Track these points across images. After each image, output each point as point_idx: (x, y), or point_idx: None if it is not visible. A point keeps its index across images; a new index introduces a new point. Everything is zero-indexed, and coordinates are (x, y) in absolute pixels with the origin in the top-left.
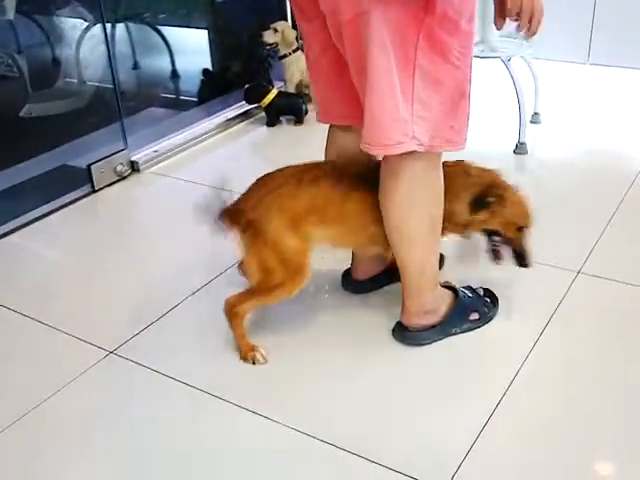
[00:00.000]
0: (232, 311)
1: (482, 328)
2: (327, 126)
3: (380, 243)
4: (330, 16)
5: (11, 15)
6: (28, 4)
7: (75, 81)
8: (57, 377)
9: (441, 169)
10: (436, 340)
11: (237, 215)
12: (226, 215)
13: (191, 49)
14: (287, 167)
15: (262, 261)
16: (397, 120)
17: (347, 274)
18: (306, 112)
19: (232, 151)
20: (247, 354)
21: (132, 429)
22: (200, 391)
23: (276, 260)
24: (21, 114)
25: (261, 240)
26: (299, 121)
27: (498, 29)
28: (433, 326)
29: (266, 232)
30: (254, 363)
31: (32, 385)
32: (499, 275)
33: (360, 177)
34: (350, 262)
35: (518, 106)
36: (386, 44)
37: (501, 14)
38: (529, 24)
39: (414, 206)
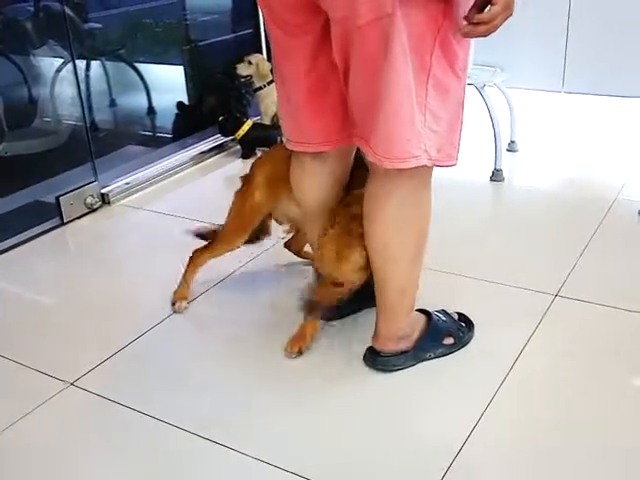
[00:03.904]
0: None
1: (457, 353)
2: None
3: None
4: (340, 22)
5: None
6: (4, 44)
7: (50, 120)
8: (13, 409)
9: (431, 189)
10: (409, 366)
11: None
12: None
13: (167, 85)
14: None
15: None
16: (413, 132)
17: None
18: (281, 143)
19: (206, 184)
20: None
21: (91, 461)
22: (162, 422)
23: None
24: None
25: None
26: None
27: (468, 19)
28: (406, 351)
29: None
30: (173, 305)
31: None
32: (474, 299)
33: None
34: None
35: (493, 133)
36: (405, 50)
37: (482, 3)
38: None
39: (402, 226)
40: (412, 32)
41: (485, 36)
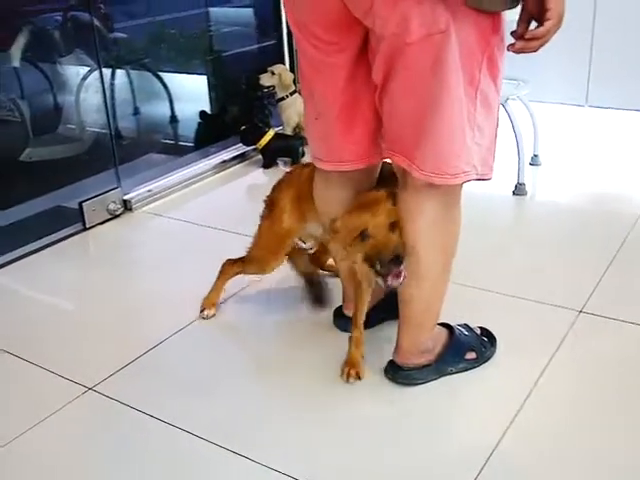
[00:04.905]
0: None
1: (479, 368)
2: None
3: None
4: (389, 39)
5: (16, 63)
6: (33, 52)
7: (75, 127)
8: (33, 413)
9: (461, 206)
10: (430, 380)
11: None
12: None
13: (190, 94)
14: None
15: None
16: (463, 148)
17: (339, 311)
18: (303, 154)
19: (227, 192)
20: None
21: (108, 466)
22: (179, 429)
23: None
24: (21, 158)
25: None
26: (295, 163)
27: (517, 35)
28: (427, 365)
29: None
30: (202, 311)
31: (7, 420)
32: (496, 314)
33: None
34: (342, 299)
35: (516, 146)
36: (457, 65)
37: (529, 18)
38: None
39: (432, 242)
40: (463, 48)
41: (536, 51)
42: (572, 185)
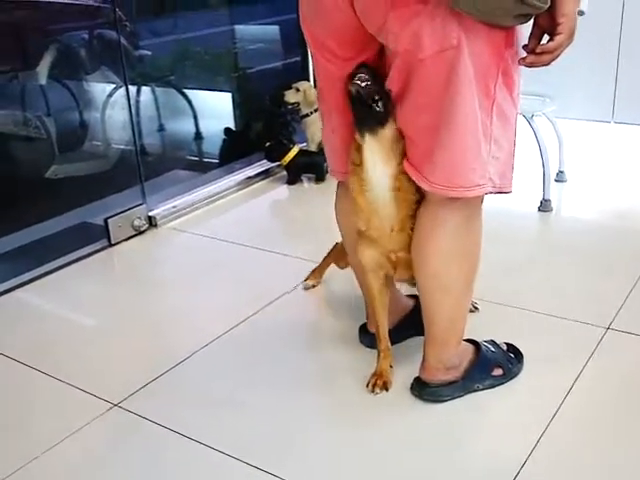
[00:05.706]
0: None
1: (506, 384)
2: None
3: None
4: (402, 55)
5: (43, 80)
6: (59, 70)
7: (100, 144)
8: (59, 429)
9: (482, 218)
10: (457, 396)
11: None
12: None
13: (215, 111)
14: None
15: None
16: (478, 161)
17: (363, 328)
18: (327, 170)
19: (252, 209)
20: None
21: None
22: (205, 446)
23: None
24: (47, 175)
25: None
26: (320, 179)
27: (529, 49)
28: (454, 382)
29: None
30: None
31: (34, 436)
32: (522, 330)
33: None
34: (365, 316)
35: (542, 163)
36: (471, 80)
37: (541, 32)
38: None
39: (456, 255)
40: (477, 62)
41: (548, 65)
42: (598, 201)
